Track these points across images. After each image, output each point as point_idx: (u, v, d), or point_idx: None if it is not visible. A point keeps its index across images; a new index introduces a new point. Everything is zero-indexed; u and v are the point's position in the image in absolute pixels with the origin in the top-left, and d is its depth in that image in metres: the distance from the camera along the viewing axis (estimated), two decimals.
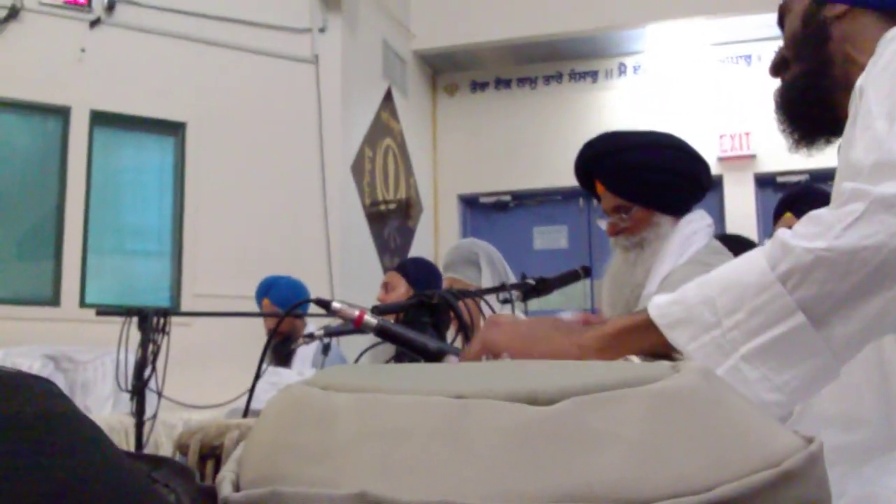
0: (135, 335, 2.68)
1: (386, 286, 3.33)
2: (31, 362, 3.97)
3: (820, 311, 0.85)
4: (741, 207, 6.81)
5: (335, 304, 1.27)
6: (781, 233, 0.89)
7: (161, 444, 3.41)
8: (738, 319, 0.88)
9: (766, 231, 5.72)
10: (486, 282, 2.66)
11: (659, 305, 0.95)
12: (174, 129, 5.59)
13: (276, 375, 3.08)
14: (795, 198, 2.94)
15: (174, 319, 2.79)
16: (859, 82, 0.98)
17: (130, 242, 5.68)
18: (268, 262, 4.80)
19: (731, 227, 6.43)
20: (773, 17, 1.26)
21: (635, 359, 0.98)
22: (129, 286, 5.53)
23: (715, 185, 5.29)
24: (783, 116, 1.21)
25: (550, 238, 7.49)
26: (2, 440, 0.43)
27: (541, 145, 7.26)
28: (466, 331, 1.48)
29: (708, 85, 7.02)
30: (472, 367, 0.59)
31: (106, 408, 4.09)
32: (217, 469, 1.27)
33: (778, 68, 1.22)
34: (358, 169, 6.27)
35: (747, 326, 0.87)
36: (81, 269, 5.19)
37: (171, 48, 5.52)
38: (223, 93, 5.65)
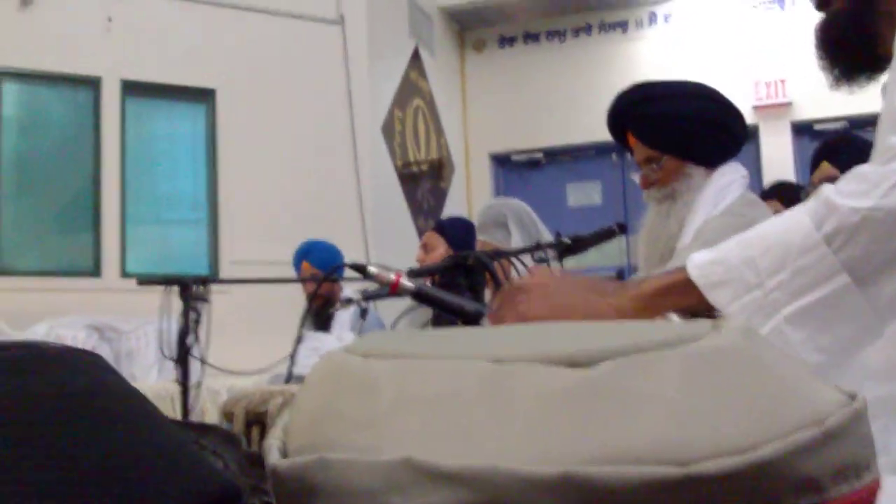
0: (175, 303, 2.73)
1: (425, 246, 3.34)
2: (75, 333, 4.06)
3: (865, 271, 0.83)
4: (778, 157, 6.70)
5: (371, 269, 1.28)
6: (826, 190, 0.87)
7: (206, 409, 3.47)
8: (781, 280, 0.86)
9: (804, 180, 5.62)
10: (516, 243, 2.65)
11: (699, 265, 0.94)
12: (204, 96, 5.62)
13: (316, 341, 3.12)
14: (833, 146, 2.88)
15: (213, 287, 2.83)
16: None
17: (167, 211, 5.74)
18: (302, 227, 4.83)
19: (768, 177, 6.32)
20: None
21: (675, 317, 0.98)
22: (167, 255, 5.61)
23: (751, 134, 5.21)
24: (823, 52, 1.17)
25: (584, 194, 7.44)
26: (54, 412, 0.44)
27: (572, 100, 7.18)
28: None
29: (741, 31, 6.86)
30: (510, 330, 0.59)
31: (151, 376, 4.18)
32: (262, 435, 1.30)
33: (823, 1, 1.19)
34: (388, 130, 6.26)
35: (790, 287, 0.86)
36: (121, 239, 5.27)
37: (196, 14, 5.53)
38: (251, 58, 5.65)
